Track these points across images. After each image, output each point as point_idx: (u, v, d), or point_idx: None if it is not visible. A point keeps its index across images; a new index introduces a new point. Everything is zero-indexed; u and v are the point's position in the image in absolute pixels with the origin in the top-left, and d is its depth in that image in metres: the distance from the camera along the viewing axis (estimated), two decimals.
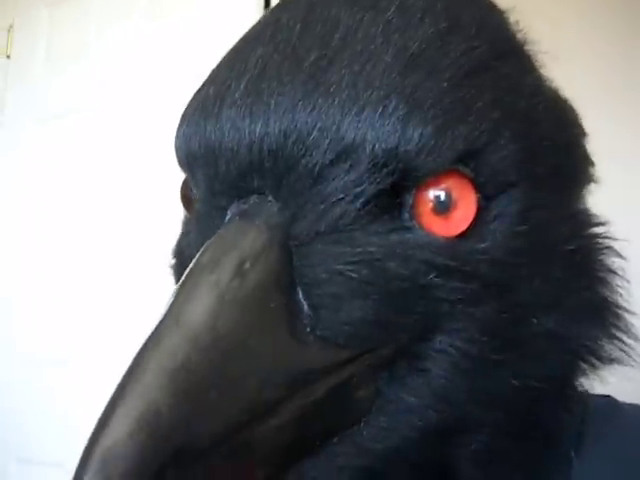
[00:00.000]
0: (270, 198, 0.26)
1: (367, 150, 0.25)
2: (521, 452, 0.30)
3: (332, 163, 0.25)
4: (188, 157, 0.28)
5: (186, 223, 0.32)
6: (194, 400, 0.21)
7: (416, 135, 0.25)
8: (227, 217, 0.27)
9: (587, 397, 0.35)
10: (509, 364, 0.28)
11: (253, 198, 0.26)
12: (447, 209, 0.26)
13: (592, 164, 0.33)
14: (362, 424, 0.27)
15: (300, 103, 0.25)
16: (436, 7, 0.28)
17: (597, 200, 0.34)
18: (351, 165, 0.25)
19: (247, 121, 0.26)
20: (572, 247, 0.30)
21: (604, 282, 0.31)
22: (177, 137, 0.29)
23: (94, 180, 1.43)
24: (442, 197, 0.26)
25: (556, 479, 0.34)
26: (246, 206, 0.26)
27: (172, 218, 0.35)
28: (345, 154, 0.25)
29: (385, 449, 0.27)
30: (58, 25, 1.55)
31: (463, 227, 0.26)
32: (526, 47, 0.32)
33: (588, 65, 1.06)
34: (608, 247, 0.32)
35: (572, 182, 0.32)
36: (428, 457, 0.28)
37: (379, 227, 0.26)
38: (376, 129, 0.25)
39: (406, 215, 0.26)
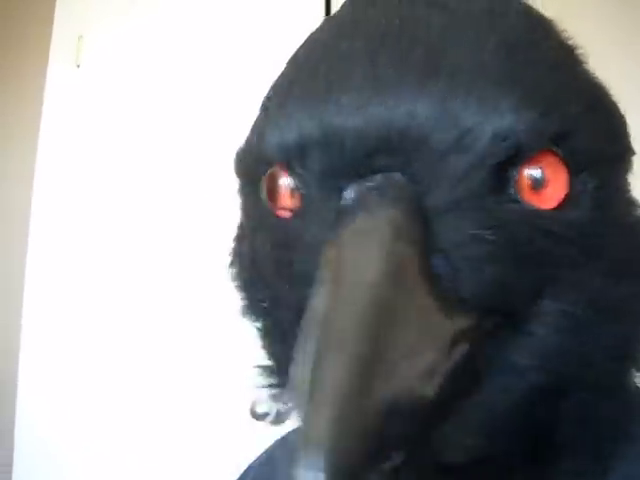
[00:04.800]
0: (398, 176, 0.28)
1: (484, 133, 0.28)
2: (614, 410, 0.34)
3: (454, 144, 0.28)
4: (300, 142, 0.30)
5: (258, 219, 0.34)
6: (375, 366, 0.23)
7: (525, 119, 0.29)
8: (349, 195, 0.29)
9: None
10: (605, 324, 0.32)
11: (378, 177, 0.28)
12: (541, 185, 0.30)
13: (633, 153, 0.38)
14: (480, 387, 0.29)
15: (419, 90, 0.28)
16: (511, 11, 0.33)
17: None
18: (470, 146, 0.28)
19: (372, 104, 0.28)
20: (632, 220, 0.34)
21: None
22: (277, 126, 0.31)
23: None
24: (538, 175, 0.30)
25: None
26: (373, 184, 0.28)
27: None
28: (465, 136, 0.28)
29: (504, 408, 0.30)
30: None
31: (557, 201, 0.30)
32: (577, 51, 0.36)
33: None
34: None
35: (626, 167, 0.36)
36: (533, 418, 0.31)
37: (496, 199, 0.29)
38: (491, 115, 0.28)
39: (512, 190, 0.30)
